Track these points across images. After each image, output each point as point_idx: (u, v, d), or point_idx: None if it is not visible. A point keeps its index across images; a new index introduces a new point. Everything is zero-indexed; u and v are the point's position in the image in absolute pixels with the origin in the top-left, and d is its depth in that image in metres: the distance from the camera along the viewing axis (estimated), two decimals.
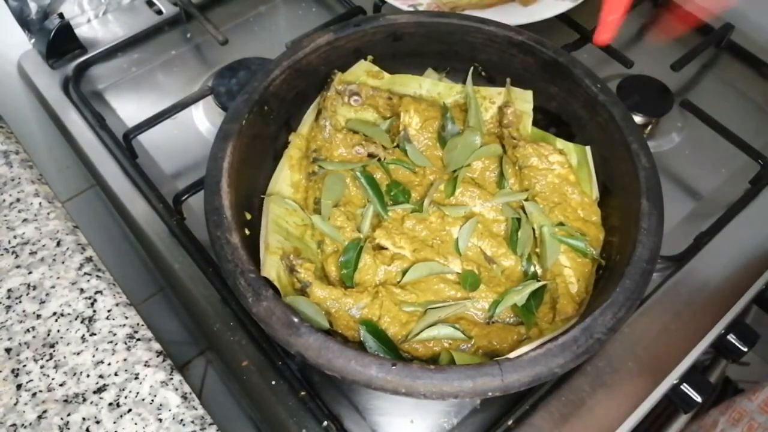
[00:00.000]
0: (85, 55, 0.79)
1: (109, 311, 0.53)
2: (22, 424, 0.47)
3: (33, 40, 0.79)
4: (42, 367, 0.49)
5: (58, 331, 0.51)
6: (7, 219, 0.57)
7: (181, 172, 0.71)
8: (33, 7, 0.76)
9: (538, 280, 0.54)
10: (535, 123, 0.63)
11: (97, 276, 0.55)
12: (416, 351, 0.50)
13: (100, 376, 0.49)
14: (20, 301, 0.53)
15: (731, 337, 0.64)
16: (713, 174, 0.71)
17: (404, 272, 0.53)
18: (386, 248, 0.55)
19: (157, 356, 0.51)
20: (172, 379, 0.50)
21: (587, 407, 0.54)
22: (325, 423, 0.54)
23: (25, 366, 0.50)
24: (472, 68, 0.64)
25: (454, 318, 0.51)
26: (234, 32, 0.83)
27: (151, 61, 0.81)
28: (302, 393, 0.55)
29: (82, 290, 0.54)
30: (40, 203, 0.59)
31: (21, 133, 0.67)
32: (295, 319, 0.44)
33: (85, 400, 0.48)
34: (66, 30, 0.77)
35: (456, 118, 0.61)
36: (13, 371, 0.49)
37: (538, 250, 0.56)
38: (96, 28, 0.83)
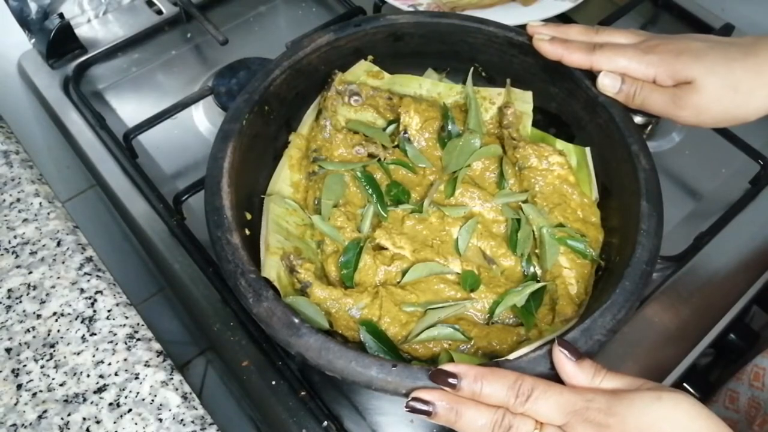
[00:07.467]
0: (85, 55, 0.79)
1: (109, 311, 0.53)
2: (23, 424, 0.47)
3: (33, 40, 0.79)
4: (42, 367, 0.50)
5: (59, 331, 0.51)
6: (7, 219, 0.57)
7: (181, 172, 0.71)
8: (33, 7, 0.76)
9: (538, 281, 0.54)
10: (534, 124, 0.63)
11: (97, 276, 0.55)
12: (416, 351, 0.50)
13: (101, 376, 0.49)
14: (20, 301, 0.53)
15: (731, 337, 0.64)
16: (713, 174, 0.71)
17: (404, 272, 0.53)
18: (386, 248, 0.55)
19: (157, 356, 0.51)
20: (172, 379, 0.50)
21: None
22: (325, 423, 0.54)
23: (25, 366, 0.50)
24: (472, 69, 0.64)
25: (453, 319, 0.51)
26: (234, 32, 0.83)
27: (151, 61, 0.81)
28: (302, 393, 0.55)
29: (82, 290, 0.54)
30: (40, 203, 0.59)
31: (21, 133, 0.67)
32: (296, 320, 0.44)
33: (85, 400, 0.48)
34: (66, 30, 0.77)
35: (456, 118, 0.61)
36: (13, 371, 0.49)
37: (537, 250, 0.56)
38: (96, 28, 0.83)
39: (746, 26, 0.81)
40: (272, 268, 0.50)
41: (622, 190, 0.54)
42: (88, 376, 0.49)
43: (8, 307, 0.52)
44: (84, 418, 0.47)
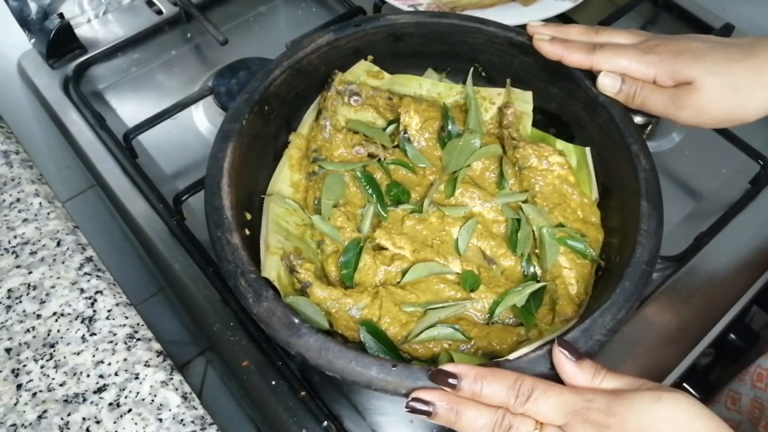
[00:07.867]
0: (85, 55, 0.79)
1: (109, 311, 0.53)
2: (22, 424, 0.47)
3: (33, 40, 0.79)
4: (42, 367, 0.50)
5: (58, 331, 0.51)
6: (7, 219, 0.57)
7: (181, 172, 0.71)
8: (33, 7, 0.76)
9: (538, 281, 0.54)
10: (534, 124, 0.63)
11: (97, 276, 0.55)
12: (416, 351, 0.50)
13: (100, 376, 0.49)
14: (20, 301, 0.53)
15: (731, 337, 0.64)
16: (713, 174, 0.71)
17: (404, 272, 0.53)
18: (386, 248, 0.55)
19: (157, 356, 0.51)
20: (172, 379, 0.50)
21: None
22: (325, 423, 0.54)
23: (25, 366, 0.50)
24: (472, 69, 0.64)
25: (453, 319, 0.51)
26: (234, 32, 0.83)
27: (151, 61, 0.81)
28: (302, 393, 0.55)
29: (82, 290, 0.54)
30: (40, 203, 0.59)
31: (21, 133, 0.67)
32: (296, 320, 0.44)
33: (85, 400, 0.48)
34: (66, 30, 0.77)
35: (456, 118, 0.61)
36: (13, 371, 0.49)
37: (537, 250, 0.56)
38: (96, 28, 0.83)
39: (746, 26, 0.81)
40: (272, 268, 0.50)
41: (622, 190, 0.54)
42: (88, 376, 0.49)
43: (8, 307, 0.52)
44: (84, 418, 0.47)
